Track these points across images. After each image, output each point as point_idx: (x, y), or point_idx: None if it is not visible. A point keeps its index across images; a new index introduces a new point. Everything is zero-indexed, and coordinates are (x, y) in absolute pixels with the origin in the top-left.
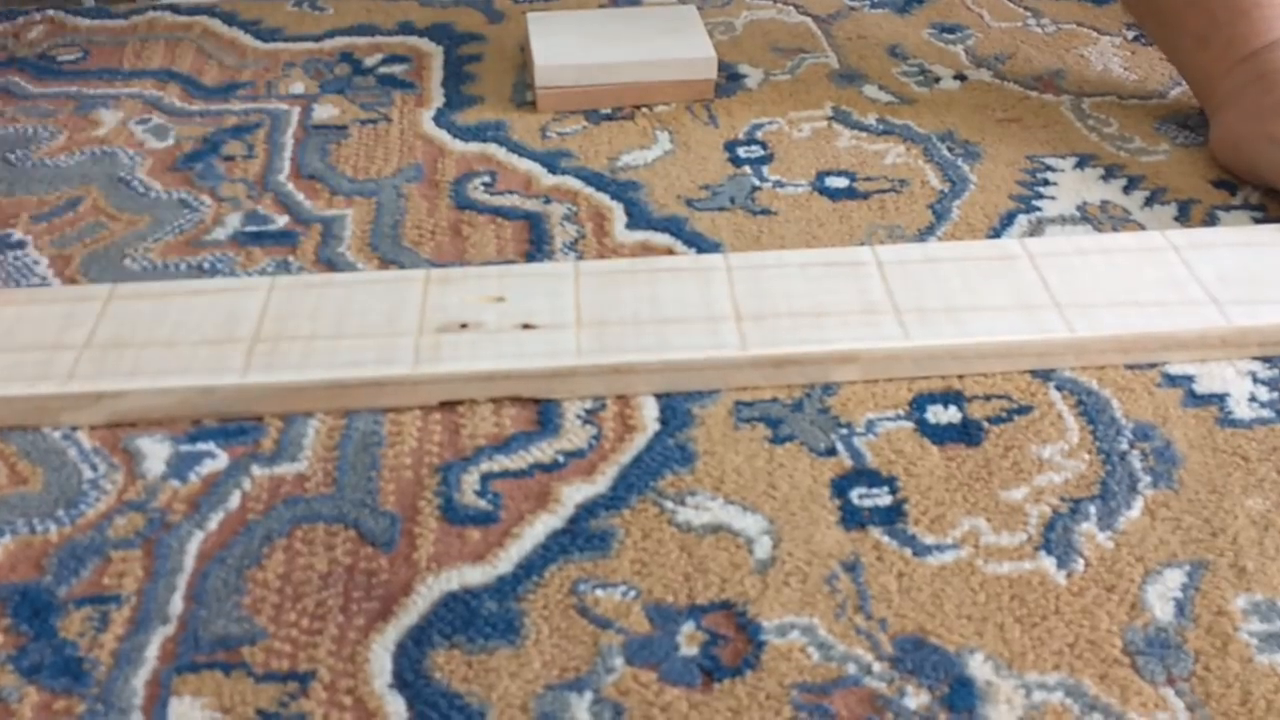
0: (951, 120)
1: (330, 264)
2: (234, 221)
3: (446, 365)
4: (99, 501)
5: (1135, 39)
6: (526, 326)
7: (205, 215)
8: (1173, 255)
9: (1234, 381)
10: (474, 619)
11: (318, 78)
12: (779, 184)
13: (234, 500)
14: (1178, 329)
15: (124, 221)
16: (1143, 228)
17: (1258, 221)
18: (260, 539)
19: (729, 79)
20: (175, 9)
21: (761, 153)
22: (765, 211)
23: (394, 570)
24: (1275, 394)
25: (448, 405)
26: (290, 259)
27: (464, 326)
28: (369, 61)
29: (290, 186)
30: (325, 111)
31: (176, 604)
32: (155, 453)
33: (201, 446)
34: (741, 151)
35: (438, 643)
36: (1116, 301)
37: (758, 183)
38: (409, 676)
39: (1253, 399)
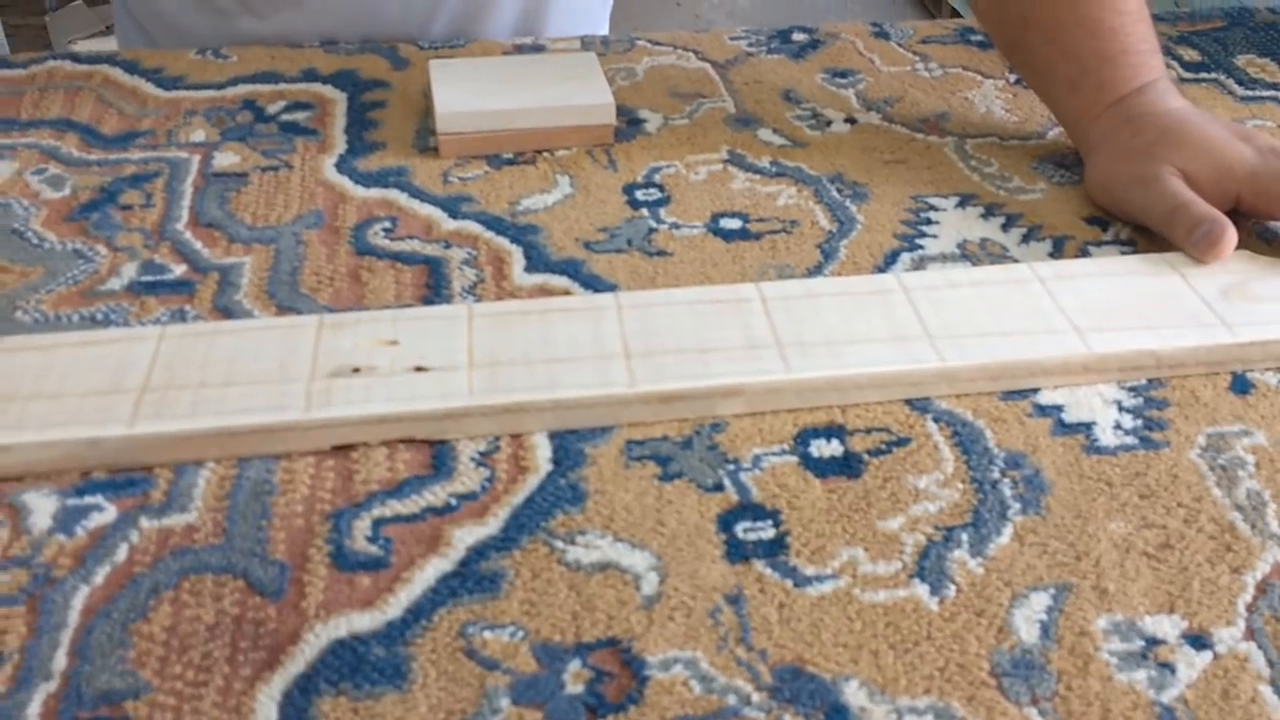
0: (841, 162)
1: (227, 312)
2: (130, 271)
3: (338, 409)
4: None
5: (1017, 82)
6: (419, 369)
7: (100, 265)
8: (1038, 286)
9: (1100, 410)
10: (361, 665)
11: (219, 125)
12: (675, 226)
13: (121, 553)
14: (1041, 356)
15: (16, 274)
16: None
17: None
18: (147, 592)
19: (629, 123)
20: (76, 58)
21: (659, 195)
22: (661, 253)
23: (282, 619)
24: (1138, 421)
25: (341, 450)
26: (187, 308)
27: (356, 371)
28: (272, 109)
29: (188, 235)
30: (226, 159)
31: (60, 660)
32: (41, 507)
33: (89, 500)
34: (640, 194)
35: (324, 690)
36: (985, 332)
37: (654, 225)
38: None
39: (1118, 426)
